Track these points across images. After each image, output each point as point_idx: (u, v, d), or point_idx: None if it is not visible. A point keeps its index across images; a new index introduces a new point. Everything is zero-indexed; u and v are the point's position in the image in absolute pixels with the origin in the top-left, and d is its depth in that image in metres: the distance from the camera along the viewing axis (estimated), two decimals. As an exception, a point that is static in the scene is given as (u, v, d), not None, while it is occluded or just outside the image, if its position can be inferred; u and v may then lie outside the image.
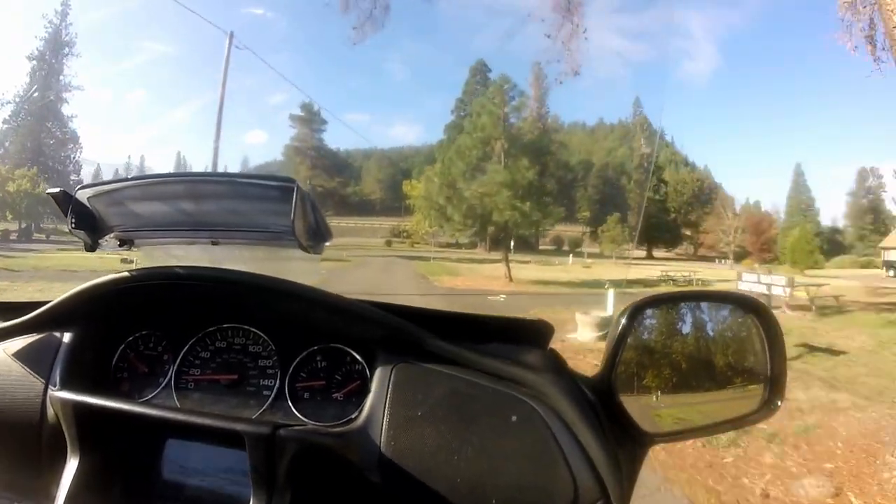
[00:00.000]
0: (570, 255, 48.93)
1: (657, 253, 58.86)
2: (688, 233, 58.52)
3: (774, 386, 0.87)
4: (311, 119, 67.09)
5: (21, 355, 0.94)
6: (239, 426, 0.76)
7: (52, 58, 48.56)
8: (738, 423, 0.90)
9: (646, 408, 0.87)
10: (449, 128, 45.59)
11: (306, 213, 0.85)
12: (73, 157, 50.30)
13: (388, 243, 47.50)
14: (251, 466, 0.75)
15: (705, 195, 63.09)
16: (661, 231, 59.23)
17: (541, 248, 53.31)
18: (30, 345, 0.95)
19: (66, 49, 49.54)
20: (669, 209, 60.47)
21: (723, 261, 50.48)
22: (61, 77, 49.20)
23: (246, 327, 0.95)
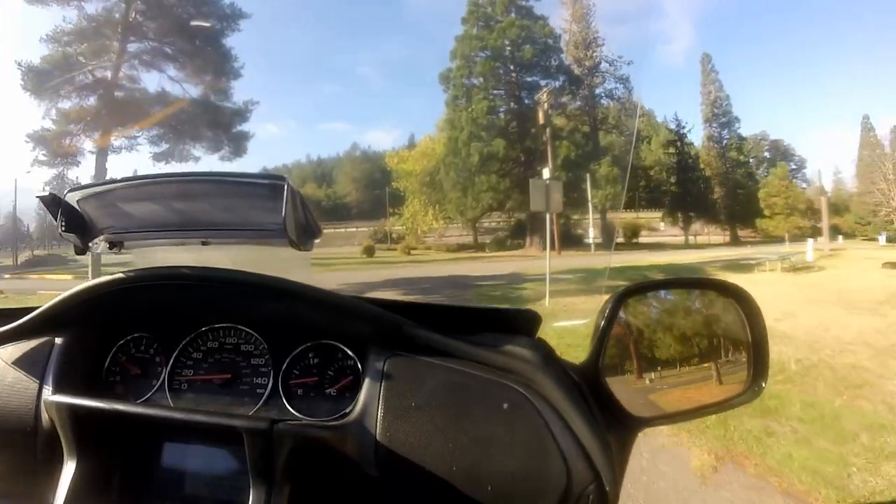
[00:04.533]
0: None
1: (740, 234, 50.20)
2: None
3: (758, 368, 0.98)
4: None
5: (13, 360, 1.01)
6: (236, 422, 0.85)
7: None
8: (724, 405, 1.00)
9: (634, 393, 0.96)
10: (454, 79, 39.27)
11: (296, 211, 0.93)
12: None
13: (369, 251, 38.41)
14: (250, 461, 0.83)
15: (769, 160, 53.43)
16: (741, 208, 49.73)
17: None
18: (22, 349, 1.02)
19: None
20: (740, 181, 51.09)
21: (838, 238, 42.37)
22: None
23: (237, 326, 1.05)
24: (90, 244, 1.02)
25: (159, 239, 1.05)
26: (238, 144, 24.54)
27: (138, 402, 1.00)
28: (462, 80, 37.14)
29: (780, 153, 51.66)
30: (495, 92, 37.19)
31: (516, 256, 32.63)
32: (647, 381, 0.97)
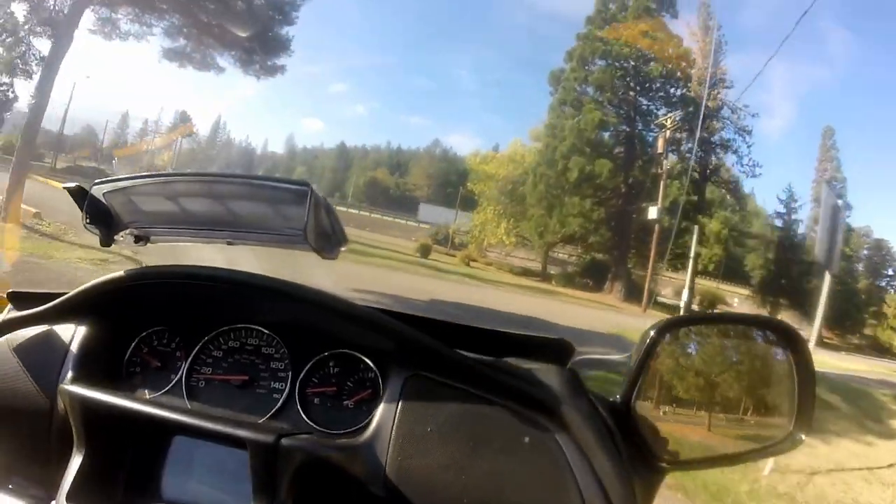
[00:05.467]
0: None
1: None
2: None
3: (800, 417, 0.91)
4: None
5: (35, 345, 1.04)
6: (242, 432, 0.84)
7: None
8: (759, 453, 0.97)
9: (666, 432, 0.94)
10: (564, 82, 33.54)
11: (320, 217, 0.94)
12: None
13: (424, 250, 33.46)
14: (252, 474, 0.83)
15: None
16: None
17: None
18: (44, 335, 1.05)
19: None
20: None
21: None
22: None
23: (259, 328, 1.06)
24: (115, 237, 1.05)
25: (184, 236, 1.07)
26: (272, 66, 19.94)
27: (154, 395, 1.02)
28: (574, 84, 32.00)
29: (882, 255, 44.39)
30: (609, 107, 32.11)
31: (593, 301, 27.78)
32: (681, 421, 0.95)
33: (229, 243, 1.05)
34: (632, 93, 32.35)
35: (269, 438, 0.81)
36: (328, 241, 0.97)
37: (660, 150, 30.48)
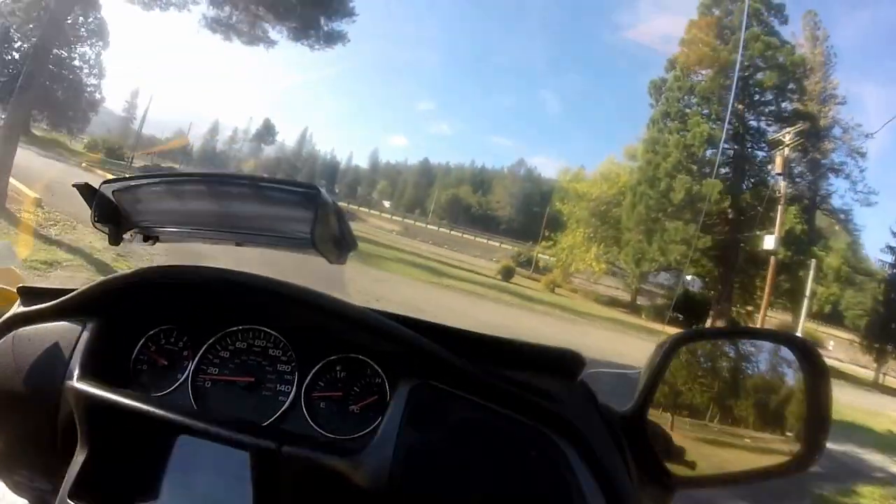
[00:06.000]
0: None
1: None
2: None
3: (813, 437, 0.90)
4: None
5: (43, 341, 1.05)
6: (244, 437, 0.86)
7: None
8: (770, 473, 0.94)
9: (678, 448, 0.93)
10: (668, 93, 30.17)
11: (328, 222, 0.94)
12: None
13: (507, 273, 31.74)
14: (253, 479, 0.85)
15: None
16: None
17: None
18: (52, 331, 1.06)
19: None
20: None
21: None
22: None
23: (267, 330, 1.06)
24: (124, 236, 1.08)
25: (192, 236, 1.09)
26: (331, 33, 18.89)
27: (159, 394, 1.03)
28: (678, 94, 28.92)
29: None
30: (717, 121, 28.63)
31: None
32: (694, 436, 0.94)
33: (238, 244, 1.07)
34: (741, 105, 28.99)
35: (271, 445, 0.83)
36: (336, 246, 0.97)
37: (778, 169, 26.72)
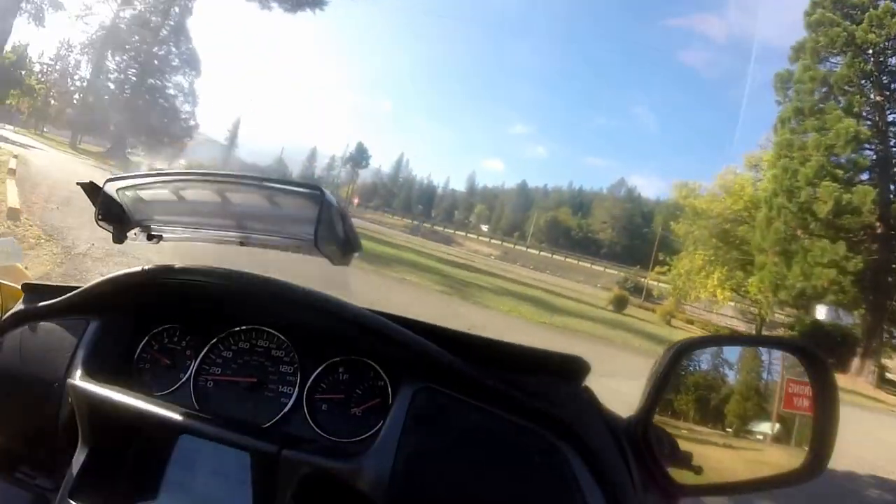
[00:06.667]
0: None
1: None
2: None
3: (820, 444, 0.89)
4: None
5: (47, 338, 1.07)
6: (246, 440, 0.87)
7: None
8: (775, 483, 0.93)
9: (682, 455, 0.93)
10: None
11: (332, 223, 0.92)
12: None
13: (619, 303, 27.90)
14: (253, 482, 0.86)
15: None
16: None
17: None
18: (56, 328, 1.08)
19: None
20: None
21: None
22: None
23: (270, 330, 1.07)
24: (127, 234, 1.08)
25: (196, 235, 1.09)
26: None
27: (162, 393, 1.04)
28: (811, 86, 23.53)
29: None
30: (863, 117, 23.11)
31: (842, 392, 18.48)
32: (699, 444, 0.93)
33: (241, 244, 1.06)
34: (879, 97, 23.23)
35: (272, 448, 0.83)
36: (340, 247, 0.96)
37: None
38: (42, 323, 1.08)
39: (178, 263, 1.04)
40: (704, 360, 0.98)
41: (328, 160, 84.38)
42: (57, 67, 46.97)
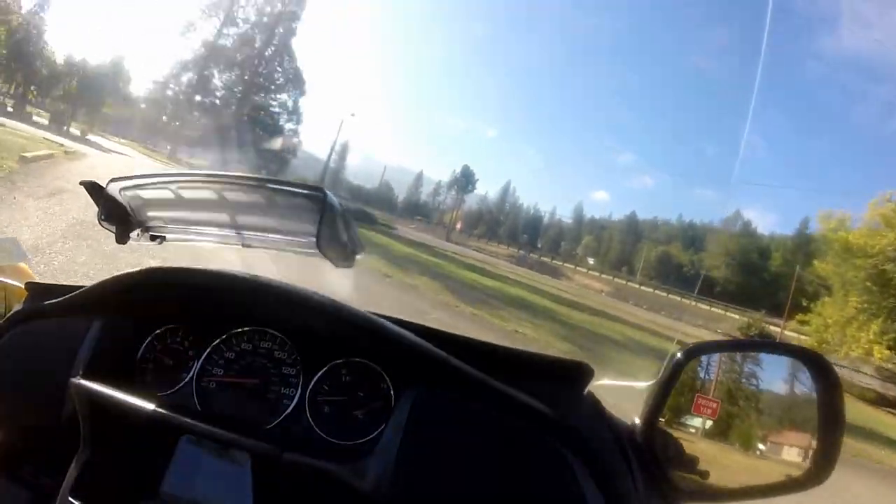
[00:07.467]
0: None
1: None
2: None
3: (825, 451, 0.88)
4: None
5: (50, 337, 1.07)
6: (247, 442, 0.87)
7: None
8: (780, 489, 0.91)
9: (686, 460, 0.93)
10: None
11: (335, 225, 0.94)
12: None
13: None
14: (254, 484, 0.85)
15: None
16: None
17: None
18: (59, 327, 1.08)
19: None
20: None
21: None
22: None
23: (273, 332, 1.07)
24: (131, 235, 1.10)
25: (199, 237, 1.12)
26: None
27: (164, 393, 1.03)
28: None
29: None
30: None
31: None
32: (704, 449, 0.92)
33: (244, 246, 1.08)
34: None
35: (274, 450, 0.84)
36: (342, 249, 0.97)
37: None
38: (45, 322, 1.08)
39: (182, 264, 1.04)
40: (711, 365, 0.97)
41: (434, 185, 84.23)
42: (159, 81, 49.59)
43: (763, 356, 0.99)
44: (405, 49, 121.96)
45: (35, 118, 39.48)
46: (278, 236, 1.05)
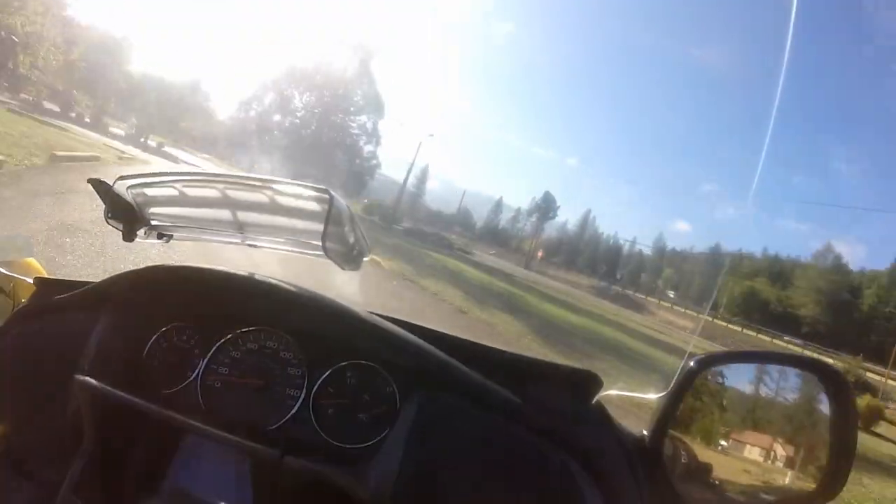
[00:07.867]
0: None
1: None
2: None
3: (836, 466, 0.87)
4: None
5: (57, 333, 1.08)
6: (248, 443, 0.87)
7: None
8: (791, 502, 0.93)
9: (693, 473, 0.92)
10: None
11: (341, 227, 0.94)
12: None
13: (871, 415, 18.43)
14: (254, 486, 0.88)
15: None
16: None
17: None
18: (67, 323, 1.09)
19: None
20: None
21: None
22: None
23: (279, 332, 1.06)
24: (138, 233, 1.10)
25: (205, 236, 1.13)
26: None
27: (169, 392, 1.03)
28: None
29: None
30: None
31: None
32: (713, 462, 0.91)
33: (249, 246, 1.10)
34: None
35: (274, 453, 0.84)
36: (348, 251, 0.98)
37: None
38: (53, 317, 1.09)
39: (189, 263, 1.05)
40: (720, 377, 0.94)
41: (513, 212, 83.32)
42: (243, 101, 50.65)
43: (775, 368, 0.95)
44: (486, 76, 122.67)
45: (112, 129, 41.00)
46: (284, 237, 1.05)
